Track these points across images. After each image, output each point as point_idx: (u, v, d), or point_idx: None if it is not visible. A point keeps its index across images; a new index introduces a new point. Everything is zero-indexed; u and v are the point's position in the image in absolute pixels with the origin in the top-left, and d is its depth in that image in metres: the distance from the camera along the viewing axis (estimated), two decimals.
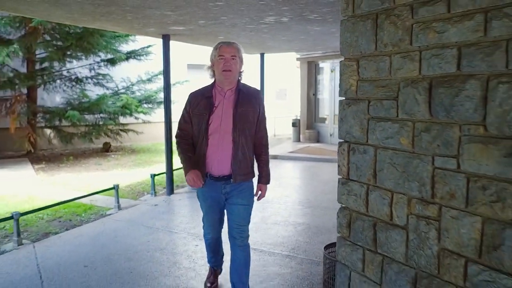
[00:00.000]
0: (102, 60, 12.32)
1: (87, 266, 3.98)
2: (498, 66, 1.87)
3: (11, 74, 10.64)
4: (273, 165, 9.84)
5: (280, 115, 17.94)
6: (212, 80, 2.93)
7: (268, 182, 3.07)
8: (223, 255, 3.43)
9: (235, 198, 2.92)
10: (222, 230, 3.24)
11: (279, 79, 21.06)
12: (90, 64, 12.30)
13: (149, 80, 13.37)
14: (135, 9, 4.45)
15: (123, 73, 12.94)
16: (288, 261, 4.02)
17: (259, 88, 10.41)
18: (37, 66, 11.63)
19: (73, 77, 12.34)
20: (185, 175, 2.87)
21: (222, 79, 2.81)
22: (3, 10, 5.28)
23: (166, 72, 6.98)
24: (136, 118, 12.67)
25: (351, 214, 2.79)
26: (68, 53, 11.18)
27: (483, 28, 1.92)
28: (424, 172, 2.26)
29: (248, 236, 3.00)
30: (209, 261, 3.41)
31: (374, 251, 2.62)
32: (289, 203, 6.27)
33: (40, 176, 9.26)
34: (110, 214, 5.90)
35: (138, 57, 12.52)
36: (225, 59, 2.74)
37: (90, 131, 12.03)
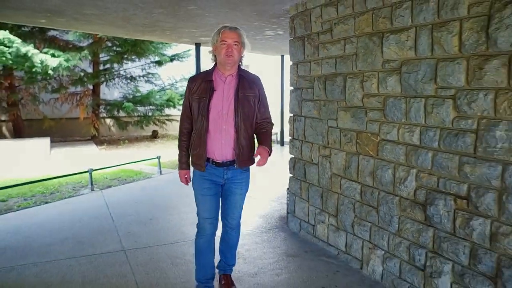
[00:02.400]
0: (152, 62, 14.16)
1: (136, 202, 5.68)
2: (350, 68, 3.31)
3: (81, 74, 12.71)
4: (287, 148, 11.30)
5: None
6: (213, 64, 2.70)
7: (270, 150, 2.65)
8: (213, 273, 2.93)
9: (235, 187, 2.70)
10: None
11: None
12: (142, 65, 14.18)
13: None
14: (171, 28, 6.08)
15: (168, 72, 14.73)
16: (270, 202, 5.52)
17: (280, 87, 11.82)
18: (101, 67, 13.65)
19: (128, 75, 14.27)
20: (179, 170, 2.79)
21: (224, 64, 2.55)
22: (86, 31, 7.09)
23: (198, 72, 8.62)
24: (179, 110, 14.39)
25: (295, 160, 4.27)
26: (125, 56, 13.10)
27: (344, 48, 3.36)
28: (323, 130, 3.72)
29: (240, 217, 2.88)
30: (198, 281, 2.88)
31: (304, 181, 4.09)
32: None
33: (103, 153, 11.26)
34: (153, 177, 7.63)
35: (181, 59, 14.26)
36: (228, 45, 2.49)
37: (141, 120, 13.93)
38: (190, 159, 2.73)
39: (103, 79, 13.70)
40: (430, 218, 2.60)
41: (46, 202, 5.82)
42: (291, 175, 4.37)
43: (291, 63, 4.26)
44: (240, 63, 2.68)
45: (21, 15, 4.63)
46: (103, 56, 13.43)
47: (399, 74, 2.78)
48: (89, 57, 12.14)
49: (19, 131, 12.50)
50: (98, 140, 13.61)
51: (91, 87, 13.63)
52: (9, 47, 9.28)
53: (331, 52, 3.52)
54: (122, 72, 14.22)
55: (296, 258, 3.62)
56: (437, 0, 2.45)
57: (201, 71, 8.12)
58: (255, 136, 2.76)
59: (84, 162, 9.28)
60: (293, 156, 4.29)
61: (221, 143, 2.60)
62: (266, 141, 2.68)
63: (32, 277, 3.28)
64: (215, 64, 2.67)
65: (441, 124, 2.48)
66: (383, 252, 3.05)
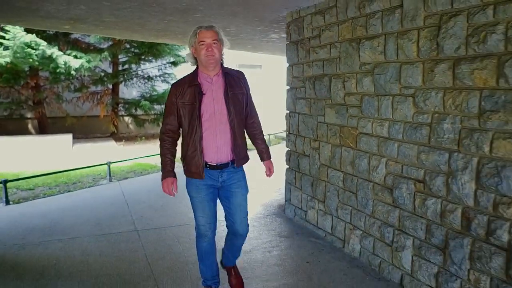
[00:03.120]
0: (167, 63, 14.67)
1: (149, 191, 6.15)
2: (334, 70, 3.69)
3: (101, 74, 13.34)
4: None
5: None
6: (194, 68, 2.58)
7: (270, 157, 2.83)
8: (218, 269, 2.89)
9: (234, 187, 2.60)
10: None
11: None
12: (158, 66, 14.71)
13: None
14: (182, 33, 6.52)
15: (184, 72, 15.05)
16: (271, 193, 5.91)
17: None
18: (120, 68, 14.24)
19: (145, 75, 14.81)
20: (162, 180, 2.57)
21: (206, 65, 2.44)
22: (105, 35, 7.60)
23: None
24: None
25: (290, 153, 4.66)
26: (142, 57, 13.66)
27: (329, 52, 3.74)
28: (314, 125, 4.10)
29: (248, 224, 2.72)
30: (204, 279, 2.84)
31: (298, 171, 4.48)
32: None
33: (121, 148, 11.84)
34: None
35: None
36: (207, 45, 2.38)
37: (157, 118, 14.46)
38: (185, 168, 2.58)
39: (122, 79, 14.29)
40: (396, 200, 2.97)
41: (69, 191, 6.36)
42: (288, 167, 4.76)
43: (287, 64, 4.66)
44: (221, 61, 2.56)
45: (48, 22, 5.15)
46: (122, 57, 14.01)
47: (372, 75, 3.16)
48: (109, 58, 12.72)
49: (44, 128, 13.19)
50: (117, 136, 14.21)
51: (110, 86, 14.22)
52: (35, 49, 9.90)
53: (319, 55, 3.91)
54: (139, 72, 14.78)
55: (288, 238, 4.02)
56: (400, 11, 2.82)
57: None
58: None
59: (103, 157, 9.84)
60: (289, 149, 4.69)
61: (216, 146, 2.49)
62: (266, 153, 2.81)
63: (57, 250, 3.77)
64: (197, 67, 2.54)
65: (404, 119, 2.85)
66: (360, 232, 3.43)
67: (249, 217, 2.71)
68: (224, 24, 5.51)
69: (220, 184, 2.57)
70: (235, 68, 2.73)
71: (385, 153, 3.07)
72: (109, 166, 6.92)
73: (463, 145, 2.40)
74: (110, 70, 13.99)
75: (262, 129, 2.82)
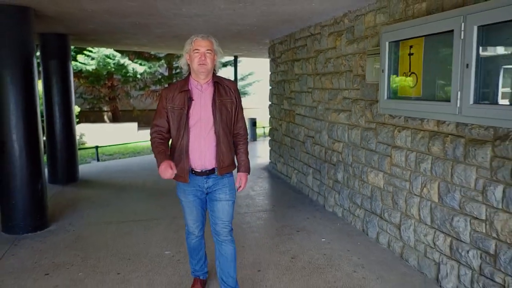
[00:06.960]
0: None
1: None
2: (286, 77, 5.88)
3: (159, 76, 16.20)
4: None
5: None
6: (187, 74, 2.46)
7: (248, 171, 2.55)
8: (206, 261, 2.84)
9: (218, 193, 2.48)
10: (204, 230, 2.68)
11: None
12: None
13: (242, 79, 18.09)
14: None
15: (223, 74, 17.65)
16: (267, 159, 8.14)
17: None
18: (173, 71, 17.04)
19: None
20: (158, 167, 2.29)
21: (198, 73, 2.35)
22: (161, 51, 10.17)
23: (235, 78, 11.40)
24: None
25: (270, 129, 6.88)
26: None
27: (285, 66, 5.93)
28: (279, 110, 6.30)
29: (232, 229, 2.54)
30: (193, 271, 2.85)
31: (273, 140, 6.69)
32: None
33: None
34: None
35: (231, 65, 17.24)
36: (201, 53, 2.29)
37: None
38: None
39: (175, 80, 17.02)
40: (306, 149, 5.15)
41: (135, 156, 9.00)
42: (270, 138, 7.00)
43: (269, 73, 6.89)
44: (214, 71, 2.47)
45: (124, 46, 7.75)
46: (175, 63, 16.72)
47: (299, 81, 5.33)
48: (165, 65, 15.50)
49: (116, 118, 16.26)
50: None
51: (166, 85, 17.01)
52: (112, 59, 12.79)
53: (281, 68, 6.11)
54: None
55: (261, 179, 6.29)
56: (306, 47, 4.98)
57: (237, 73, 10.75)
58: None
59: None
60: (270, 127, 6.93)
61: (200, 152, 2.40)
62: (242, 164, 2.55)
63: (129, 180, 6.30)
64: (189, 74, 2.45)
65: (309, 104, 5.01)
66: (296, 171, 5.62)
67: None
68: (236, 45, 7.84)
69: (206, 190, 2.48)
70: (228, 78, 2.67)
71: (303, 124, 5.24)
72: None
73: (324, 117, 4.55)
74: (166, 73, 16.79)
75: (248, 140, 2.65)
